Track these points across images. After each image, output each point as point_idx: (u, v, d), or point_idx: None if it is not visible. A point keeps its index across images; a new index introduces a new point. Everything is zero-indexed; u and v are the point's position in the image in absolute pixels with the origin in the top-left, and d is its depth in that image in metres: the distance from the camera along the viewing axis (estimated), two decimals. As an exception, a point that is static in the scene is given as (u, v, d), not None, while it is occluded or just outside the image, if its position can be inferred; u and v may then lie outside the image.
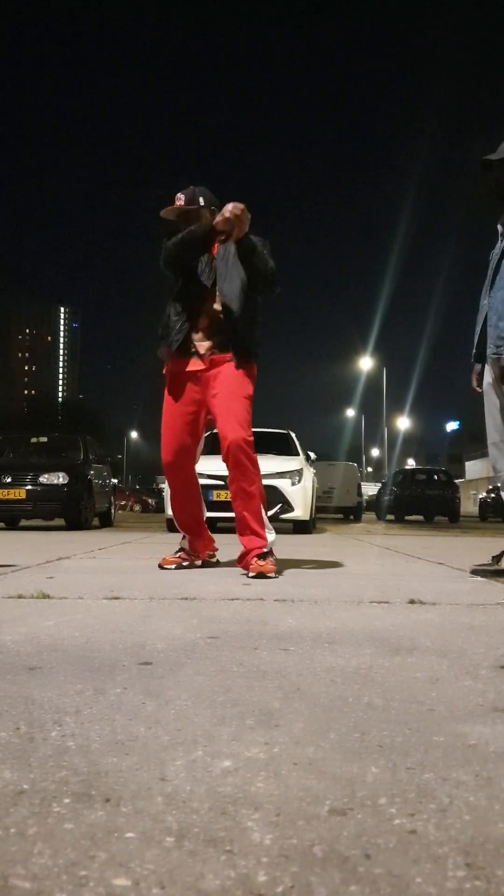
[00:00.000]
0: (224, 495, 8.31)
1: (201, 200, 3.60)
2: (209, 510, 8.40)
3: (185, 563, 3.70)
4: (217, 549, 3.93)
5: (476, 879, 0.63)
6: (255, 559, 3.35)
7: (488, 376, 3.63)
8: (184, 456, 3.62)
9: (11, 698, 1.19)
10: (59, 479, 9.74)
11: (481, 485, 46.41)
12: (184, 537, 3.78)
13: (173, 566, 3.66)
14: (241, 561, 3.49)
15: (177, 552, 3.78)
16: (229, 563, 3.82)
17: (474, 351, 3.73)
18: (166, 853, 0.67)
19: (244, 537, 3.49)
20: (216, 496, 8.19)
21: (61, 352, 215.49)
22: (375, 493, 29.09)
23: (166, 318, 3.64)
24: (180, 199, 3.60)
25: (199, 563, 3.78)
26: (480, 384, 3.74)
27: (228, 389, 3.49)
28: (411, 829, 0.73)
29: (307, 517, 8.95)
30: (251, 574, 3.27)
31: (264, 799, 0.80)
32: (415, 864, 0.65)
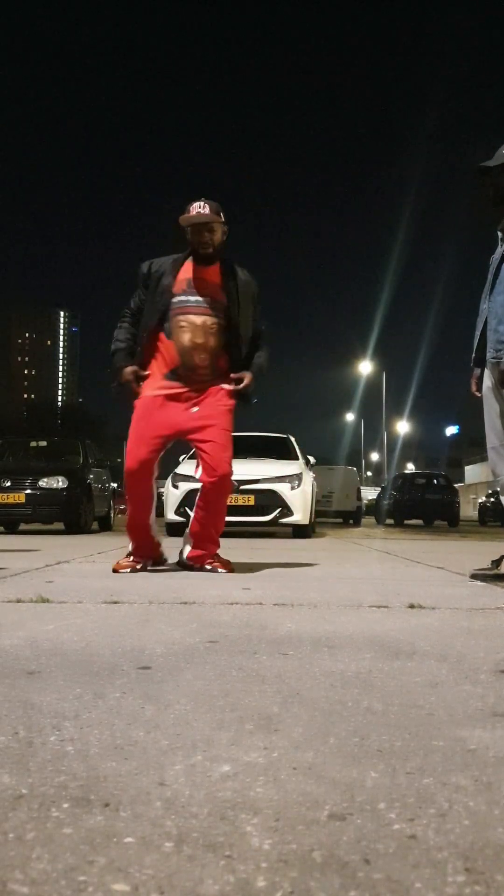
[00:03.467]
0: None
1: (222, 216, 3.64)
2: None
3: (139, 567, 3.76)
4: (163, 554, 3.97)
5: (476, 884, 0.63)
6: (215, 556, 3.83)
7: (488, 380, 3.63)
8: (148, 467, 3.71)
9: (10, 703, 1.19)
10: (59, 482, 9.73)
11: (481, 489, 46.42)
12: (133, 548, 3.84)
13: (128, 570, 3.71)
14: (200, 559, 3.81)
15: (129, 556, 3.83)
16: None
17: (474, 355, 3.73)
18: (165, 858, 0.67)
19: (206, 542, 3.82)
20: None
21: (61, 356, 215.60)
22: (375, 497, 29.11)
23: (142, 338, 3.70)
24: (204, 207, 3.59)
25: (149, 563, 3.84)
26: (480, 388, 3.74)
27: (221, 422, 3.68)
28: (411, 834, 0.73)
29: (306, 521, 8.95)
30: (221, 570, 3.75)
31: (263, 804, 0.80)
32: (414, 869, 0.65)
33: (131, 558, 3.80)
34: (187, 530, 3.90)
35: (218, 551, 3.90)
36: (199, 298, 3.61)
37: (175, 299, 3.61)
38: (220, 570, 3.78)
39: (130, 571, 3.71)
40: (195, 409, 3.66)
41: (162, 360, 3.67)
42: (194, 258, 3.67)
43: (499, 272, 3.52)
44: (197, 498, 3.81)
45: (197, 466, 3.80)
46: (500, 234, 3.60)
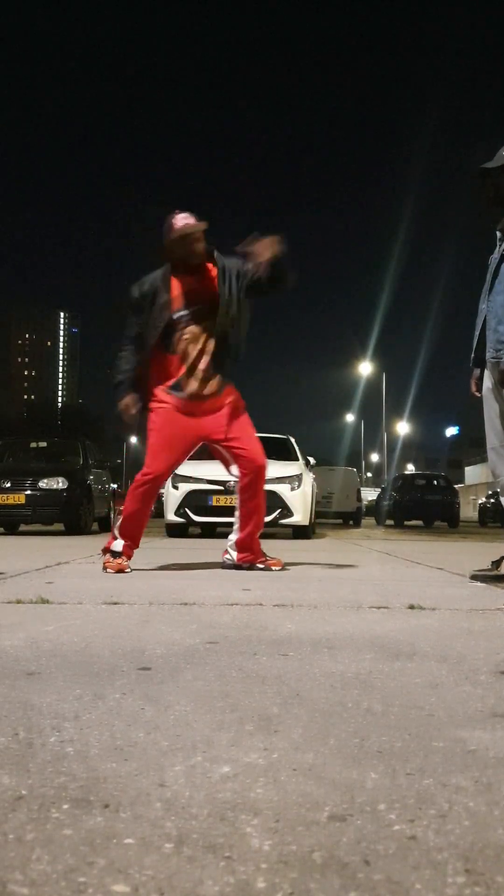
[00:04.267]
0: (223, 500, 8.31)
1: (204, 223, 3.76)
2: (209, 515, 8.44)
3: (127, 571, 3.70)
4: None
5: (476, 885, 0.63)
6: (265, 555, 3.97)
7: (487, 381, 3.63)
8: (172, 472, 3.93)
9: (10, 703, 1.19)
10: (59, 483, 9.73)
11: (481, 490, 46.40)
12: (127, 545, 3.81)
13: (128, 570, 3.68)
14: (251, 561, 3.93)
15: (118, 556, 3.76)
16: (216, 564, 3.83)
17: (473, 355, 3.73)
18: (165, 859, 0.67)
19: (254, 542, 3.95)
20: (215, 501, 8.19)
21: (61, 357, 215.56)
22: (375, 498, 29.11)
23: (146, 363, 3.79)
24: (189, 218, 3.70)
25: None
26: (480, 389, 3.74)
27: (242, 419, 3.86)
28: (411, 835, 0.73)
29: (307, 522, 8.95)
30: (275, 568, 3.90)
31: (263, 805, 0.80)
32: (414, 870, 0.65)
33: (123, 558, 3.74)
34: (233, 537, 3.97)
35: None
36: (197, 307, 3.73)
37: (176, 315, 3.72)
38: (273, 568, 3.91)
39: (117, 572, 3.64)
40: (217, 412, 3.79)
41: (164, 375, 3.78)
42: (179, 271, 3.77)
43: (498, 272, 3.52)
44: (238, 499, 3.90)
45: (228, 464, 3.90)
46: (499, 234, 3.61)
